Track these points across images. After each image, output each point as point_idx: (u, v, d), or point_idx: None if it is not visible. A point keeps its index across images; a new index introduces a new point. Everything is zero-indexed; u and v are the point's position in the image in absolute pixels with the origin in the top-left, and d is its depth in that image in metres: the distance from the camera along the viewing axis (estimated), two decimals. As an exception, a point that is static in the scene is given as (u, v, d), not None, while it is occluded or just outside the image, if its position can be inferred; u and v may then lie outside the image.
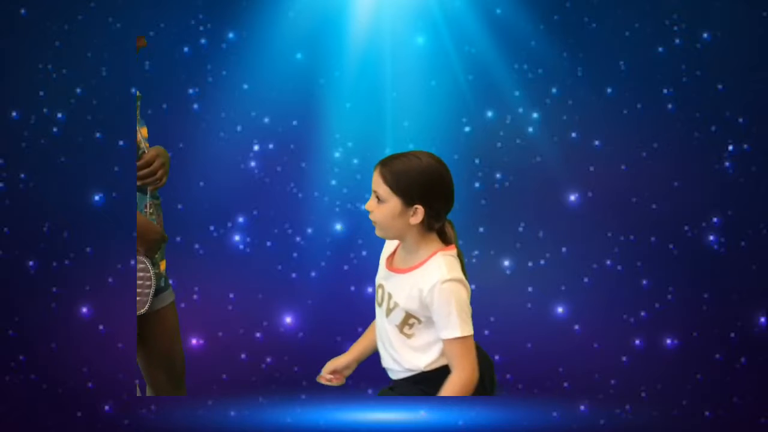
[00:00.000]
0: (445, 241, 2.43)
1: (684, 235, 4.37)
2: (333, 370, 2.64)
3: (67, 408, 3.41)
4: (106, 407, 3.43)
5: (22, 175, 3.68)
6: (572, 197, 4.50)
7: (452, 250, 2.41)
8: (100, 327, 3.58)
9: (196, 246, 4.58)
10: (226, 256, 4.59)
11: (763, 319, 4.15)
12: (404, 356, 2.45)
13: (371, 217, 2.40)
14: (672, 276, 4.37)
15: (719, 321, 4.21)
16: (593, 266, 4.47)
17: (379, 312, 2.49)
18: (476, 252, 4.60)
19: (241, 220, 4.64)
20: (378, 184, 2.36)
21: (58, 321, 3.54)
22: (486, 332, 4.56)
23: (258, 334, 4.53)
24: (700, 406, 3.82)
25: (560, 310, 4.49)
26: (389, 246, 2.55)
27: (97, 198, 3.67)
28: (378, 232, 2.42)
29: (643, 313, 4.39)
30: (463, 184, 4.61)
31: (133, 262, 3.02)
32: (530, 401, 4.19)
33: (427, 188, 2.32)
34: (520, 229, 4.57)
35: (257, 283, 4.60)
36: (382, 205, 2.35)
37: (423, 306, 2.38)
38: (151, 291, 2.87)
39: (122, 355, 3.49)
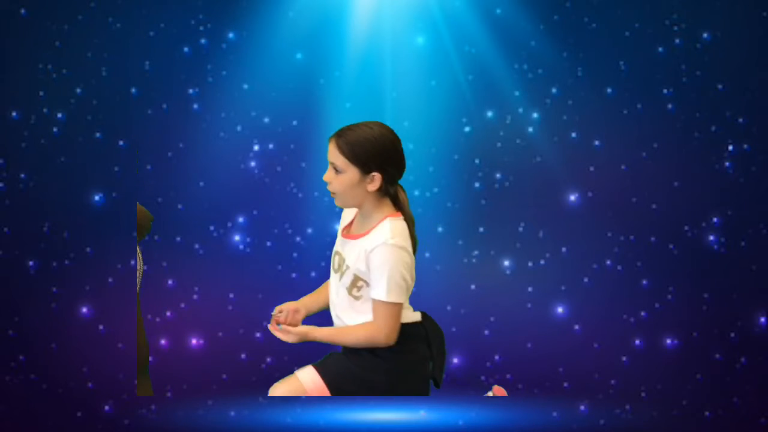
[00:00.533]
0: (398, 205, 2.48)
1: (684, 235, 4.37)
2: (282, 309, 2.64)
3: (67, 408, 3.41)
4: (106, 407, 3.43)
5: (22, 175, 3.68)
6: (572, 197, 4.50)
7: (400, 216, 2.46)
8: (100, 327, 3.59)
9: (196, 246, 4.58)
10: (226, 256, 4.59)
11: (763, 319, 4.15)
12: (351, 318, 2.51)
13: (330, 188, 2.48)
14: (672, 276, 4.37)
15: (719, 321, 4.21)
16: (593, 266, 4.47)
17: (334, 277, 2.55)
18: (476, 252, 4.60)
19: (241, 220, 4.64)
20: (335, 155, 2.46)
21: (58, 321, 3.54)
22: (486, 332, 4.57)
23: (258, 334, 4.54)
24: (700, 406, 3.82)
25: (560, 310, 4.49)
26: (346, 216, 2.61)
27: (97, 198, 3.67)
28: (337, 202, 2.50)
29: (643, 313, 4.39)
30: (463, 184, 4.67)
31: (133, 262, 3.02)
32: (530, 401, 4.19)
33: (382, 155, 2.41)
34: (520, 229, 4.57)
35: (257, 283, 4.60)
36: (341, 176, 2.45)
37: (368, 267, 2.43)
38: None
39: (122, 355, 3.49)
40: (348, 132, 2.46)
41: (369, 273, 2.41)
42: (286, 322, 2.58)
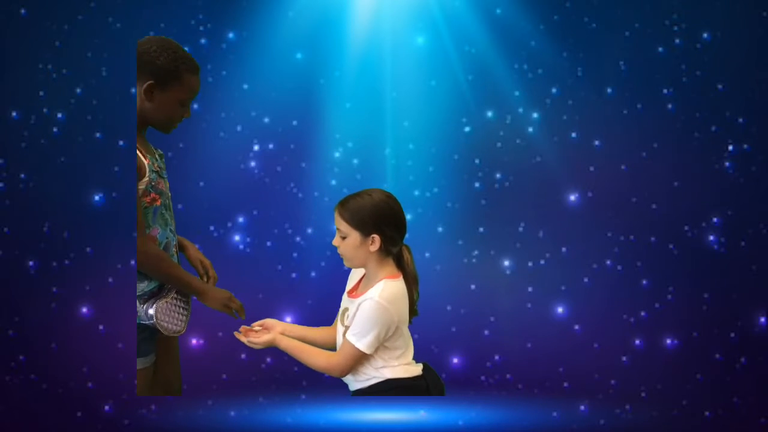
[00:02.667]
0: (401, 265, 2.71)
1: (684, 235, 4.37)
2: (263, 323, 2.85)
3: (67, 408, 3.42)
4: (106, 407, 3.43)
5: (22, 175, 3.68)
6: (572, 197, 4.50)
7: (397, 278, 2.67)
8: (100, 327, 3.58)
9: (197, 246, 4.58)
10: (226, 256, 4.59)
11: (763, 319, 4.15)
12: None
13: (339, 251, 2.71)
14: (672, 276, 4.37)
15: (719, 321, 4.21)
16: (593, 266, 4.47)
17: (341, 329, 2.74)
18: (476, 252, 4.60)
19: (241, 220, 4.64)
20: (339, 222, 2.69)
21: (58, 321, 3.54)
22: (486, 332, 4.58)
23: (258, 334, 4.53)
24: (700, 406, 3.82)
25: (560, 310, 4.49)
26: (354, 277, 2.82)
27: (97, 198, 3.67)
28: (345, 263, 2.73)
29: (643, 313, 4.39)
30: (463, 184, 4.67)
31: (133, 262, 3.02)
32: (530, 401, 4.19)
33: (378, 219, 2.65)
34: (520, 229, 4.57)
35: (257, 283, 4.60)
36: (345, 240, 2.68)
37: (355, 315, 2.65)
38: (188, 316, 2.90)
39: (122, 355, 3.49)
40: (349, 200, 2.69)
41: (354, 319, 2.64)
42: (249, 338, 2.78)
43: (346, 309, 2.75)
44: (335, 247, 2.73)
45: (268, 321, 2.84)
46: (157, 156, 2.92)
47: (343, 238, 2.68)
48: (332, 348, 2.79)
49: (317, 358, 2.69)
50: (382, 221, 2.64)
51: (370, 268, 2.70)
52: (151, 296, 2.79)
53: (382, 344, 2.63)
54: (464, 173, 4.62)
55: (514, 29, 4.50)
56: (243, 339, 2.76)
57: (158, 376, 2.98)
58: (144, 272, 2.78)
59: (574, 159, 4.49)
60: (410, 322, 2.70)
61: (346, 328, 2.69)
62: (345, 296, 2.81)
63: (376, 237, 2.63)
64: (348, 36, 4.59)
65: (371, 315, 2.58)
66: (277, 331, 2.78)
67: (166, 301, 2.78)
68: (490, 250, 4.60)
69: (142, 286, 2.79)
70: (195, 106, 4.59)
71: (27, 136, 3.75)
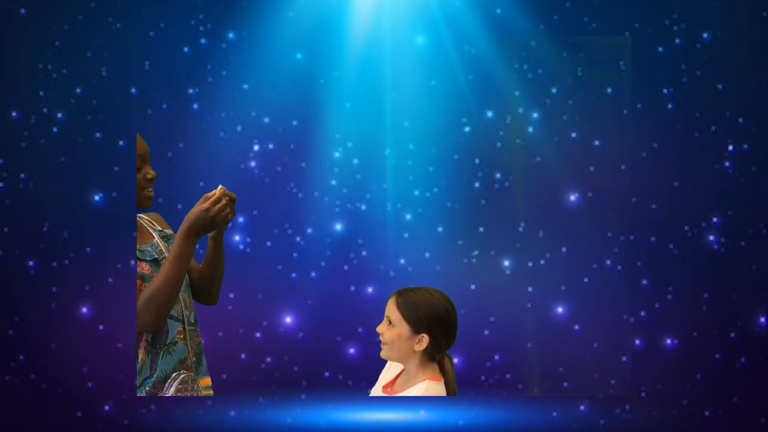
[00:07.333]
0: (443, 372, 2.64)
1: (684, 235, 4.36)
2: None
3: (67, 408, 3.41)
4: (106, 407, 3.43)
5: (22, 175, 3.67)
6: (572, 197, 4.50)
7: (440, 381, 2.61)
8: (100, 327, 3.58)
9: (196, 246, 4.58)
10: (226, 256, 4.58)
11: (763, 319, 4.14)
12: None
13: (381, 338, 2.64)
14: (672, 276, 4.37)
15: (719, 321, 4.20)
16: (593, 266, 4.48)
17: None
18: (476, 252, 4.60)
19: (241, 220, 4.64)
20: (392, 310, 2.62)
21: (58, 321, 3.54)
22: (486, 332, 4.57)
23: (258, 334, 4.53)
24: (700, 406, 3.82)
25: (560, 310, 4.49)
26: (390, 372, 2.76)
27: (97, 198, 3.67)
28: (383, 353, 2.65)
29: (643, 313, 4.38)
30: (463, 184, 4.67)
31: (133, 262, 3.01)
32: (530, 401, 4.19)
33: (433, 321, 2.58)
34: (520, 229, 4.57)
35: (257, 283, 4.60)
36: (392, 329, 2.61)
37: None
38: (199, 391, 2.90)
39: (122, 355, 3.49)
40: (409, 293, 2.64)
41: None
42: None
43: None
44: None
45: None
46: (154, 237, 2.84)
47: (390, 326, 2.61)
48: None
49: None
50: (436, 324, 2.58)
51: (411, 367, 2.64)
52: (157, 386, 2.77)
53: None
54: (464, 173, 4.63)
55: (514, 29, 4.50)
56: None
57: None
58: (157, 312, 2.70)
59: (574, 159, 4.49)
60: None
61: None
62: (379, 389, 2.75)
63: (425, 337, 2.57)
64: (348, 36, 4.59)
65: None
66: None
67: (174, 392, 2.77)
68: (490, 250, 4.60)
69: (144, 374, 2.77)
70: (195, 105, 4.61)
71: (27, 136, 3.74)
